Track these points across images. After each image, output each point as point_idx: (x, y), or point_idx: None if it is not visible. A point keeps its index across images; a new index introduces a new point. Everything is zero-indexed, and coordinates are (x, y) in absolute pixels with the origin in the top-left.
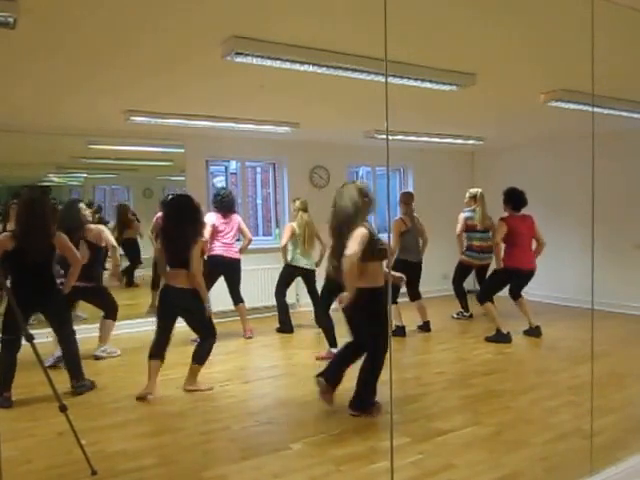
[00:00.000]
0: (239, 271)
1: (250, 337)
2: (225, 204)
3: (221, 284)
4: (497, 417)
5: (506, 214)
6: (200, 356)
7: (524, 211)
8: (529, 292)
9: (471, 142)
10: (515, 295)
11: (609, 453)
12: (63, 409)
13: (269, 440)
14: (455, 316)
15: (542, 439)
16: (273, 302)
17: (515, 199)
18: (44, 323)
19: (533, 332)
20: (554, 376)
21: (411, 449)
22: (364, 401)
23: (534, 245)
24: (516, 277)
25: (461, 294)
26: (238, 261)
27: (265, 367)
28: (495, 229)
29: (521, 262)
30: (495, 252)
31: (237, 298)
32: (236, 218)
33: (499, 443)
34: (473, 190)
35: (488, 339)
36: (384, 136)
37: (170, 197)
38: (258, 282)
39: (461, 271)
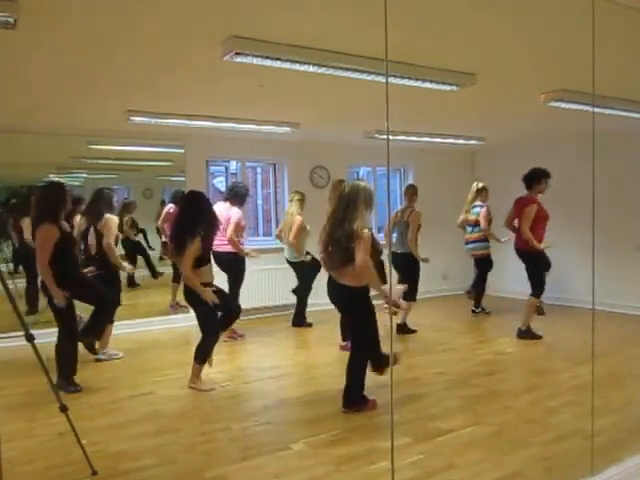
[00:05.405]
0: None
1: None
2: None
3: (221, 282)
4: (498, 417)
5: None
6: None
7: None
8: (529, 292)
9: (472, 142)
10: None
11: (610, 453)
12: (63, 409)
13: (269, 440)
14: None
15: (543, 439)
16: (273, 302)
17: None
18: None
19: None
20: (555, 376)
21: (412, 449)
22: (353, 396)
23: None
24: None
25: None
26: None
27: (265, 367)
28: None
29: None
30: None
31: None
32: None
33: (500, 443)
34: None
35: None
36: (385, 136)
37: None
38: (258, 282)
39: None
